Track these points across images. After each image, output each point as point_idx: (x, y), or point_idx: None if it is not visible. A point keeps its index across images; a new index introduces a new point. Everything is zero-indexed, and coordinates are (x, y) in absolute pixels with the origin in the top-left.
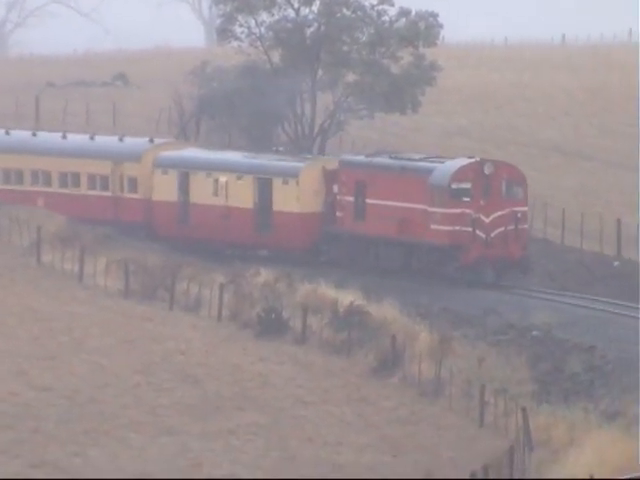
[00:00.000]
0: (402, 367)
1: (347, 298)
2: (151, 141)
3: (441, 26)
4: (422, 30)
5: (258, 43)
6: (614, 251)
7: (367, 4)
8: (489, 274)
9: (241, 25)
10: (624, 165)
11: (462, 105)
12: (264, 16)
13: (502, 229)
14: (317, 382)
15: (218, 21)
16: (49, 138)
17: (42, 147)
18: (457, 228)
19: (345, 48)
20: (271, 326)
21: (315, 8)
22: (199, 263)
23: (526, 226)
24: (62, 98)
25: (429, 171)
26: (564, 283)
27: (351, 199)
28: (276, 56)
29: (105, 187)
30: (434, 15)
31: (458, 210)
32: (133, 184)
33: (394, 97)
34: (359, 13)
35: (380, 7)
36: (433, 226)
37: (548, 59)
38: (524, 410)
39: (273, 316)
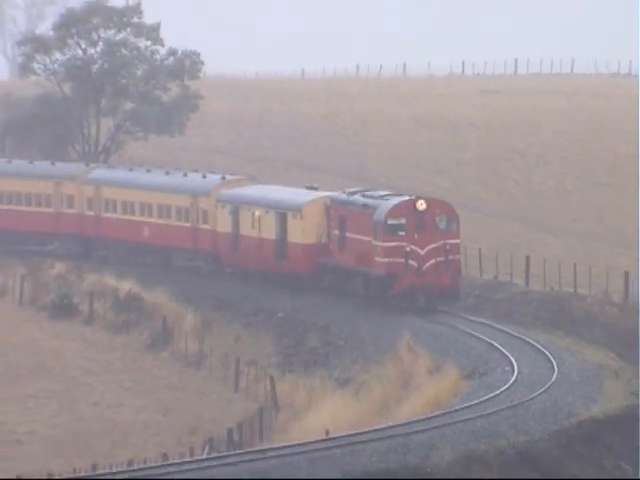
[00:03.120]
0: (172, 343)
1: (126, 286)
2: (223, 178)
3: (202, 62)
4: (187, 66)
5: (52, 77)
6: None
7: (142, 45)
8: (421, 301)
9: (38, 62)
10: (348, 176)
11: (220, 128)
12: (57, 55)
13: (434, 260)
14: (102, 355)
15: (20, 59)
16: (153, 175)
17: (144, 182)
18: (392, 260)
19: (124, 81)
20: (64, 309)
21: (99, 48)
22: (2, 257)
23: (457, 257)
24: None
25: (375, 208)
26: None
27: (337, 233)
28: (67, 88)
29: (186, 219)
30: (197, 54)
31: (394, 243)
32: (205, 216)
33: (164, 122)
34: (135, 52)
35: (153, 47)
36: (376, 258)
37: (290, 90)
38: (271, 378)
39: (65, 301)
